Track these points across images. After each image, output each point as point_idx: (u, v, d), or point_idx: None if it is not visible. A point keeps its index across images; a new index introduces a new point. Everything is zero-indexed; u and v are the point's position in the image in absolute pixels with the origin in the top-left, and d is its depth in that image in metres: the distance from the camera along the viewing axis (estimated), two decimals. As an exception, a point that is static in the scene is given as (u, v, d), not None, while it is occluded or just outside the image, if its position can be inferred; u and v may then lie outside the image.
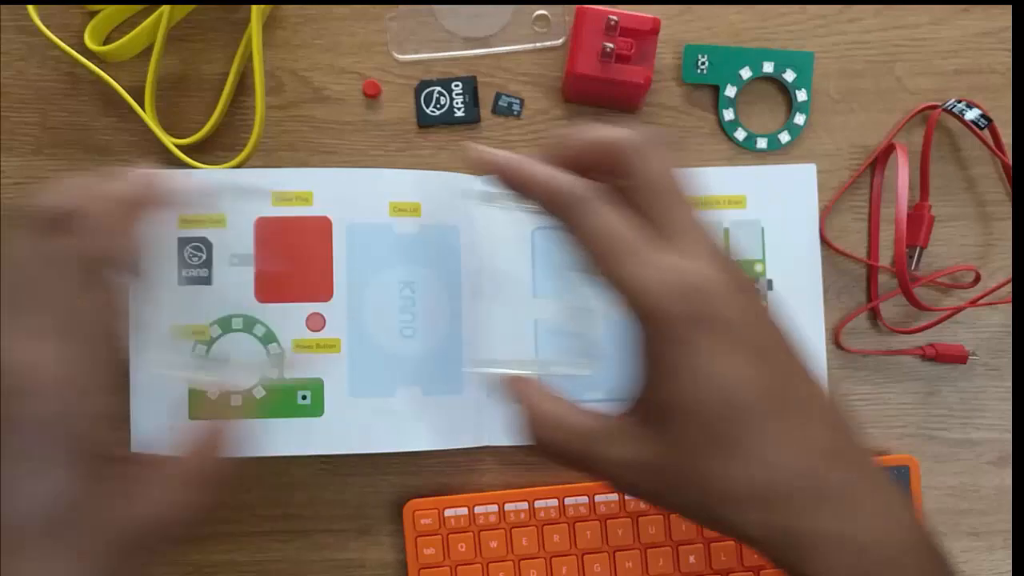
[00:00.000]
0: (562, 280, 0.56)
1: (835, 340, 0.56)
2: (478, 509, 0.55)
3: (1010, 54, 0.57)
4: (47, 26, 0.55)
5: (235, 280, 0.54)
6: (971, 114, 0.55)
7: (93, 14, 0.56)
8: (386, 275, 0.54)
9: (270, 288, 0.54)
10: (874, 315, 0.57)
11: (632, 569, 0.55)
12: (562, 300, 0.56)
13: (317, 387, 0.53)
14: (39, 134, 0.57)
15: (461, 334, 0.55)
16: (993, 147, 0.56)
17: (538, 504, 0.55)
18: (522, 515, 0.55)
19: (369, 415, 0.53)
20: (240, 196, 0.53)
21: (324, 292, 0.54)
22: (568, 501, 0.55)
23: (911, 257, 0.56)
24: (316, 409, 0.53)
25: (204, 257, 0.54)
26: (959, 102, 0.56)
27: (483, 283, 0.56)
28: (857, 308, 0.57)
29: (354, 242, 0.54)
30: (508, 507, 0.55)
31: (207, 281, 0.54)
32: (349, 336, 0.53)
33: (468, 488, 0.56)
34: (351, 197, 0.54)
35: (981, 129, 0.55)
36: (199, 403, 0.53)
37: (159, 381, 0.53)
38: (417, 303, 0.54)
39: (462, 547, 0.54)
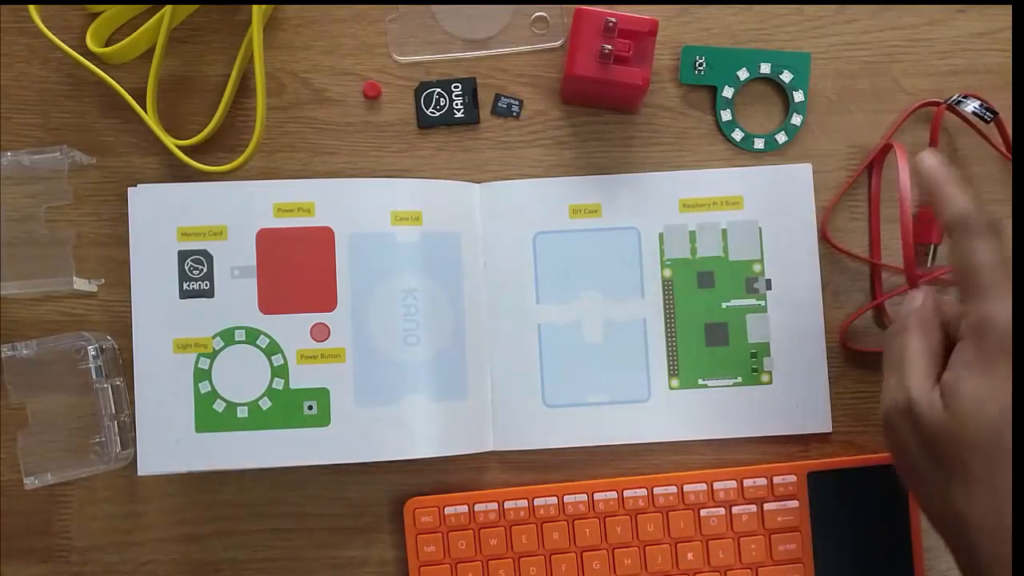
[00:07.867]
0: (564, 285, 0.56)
1: (840, 339, 0.57)
2: (478, 507, 0.55)
3: (1006, 54, 0.57)
4: (49, 28, 0.55)
5: (237, 292, 0.54)
6: (974, 107, 0.55)
7: (94, 16, 0.57)
8: (389, 284, 0.54)
9: (273, 299, 0.54)
10: (879, 313, 0.57)
11: (631, 566, 0.55)
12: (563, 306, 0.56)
13: (323, 397, 0.54)
14: (41, 135, 0.57)
15: (465, 341, 0.55)
16: (995, 142, 0.56)
17: (537, 502, 0.55)
18: (521, 513, 0.55)
19: (375, 424, 0.53)
20: None
21: (328, 302, 0.54)
22: (567, 499, 0.55)
23: (927, 254, 0.57)
24: (323, 419, 0.53)
25: (205, 270, 0.54)
26: (964, 97, 0.56)
27: (485, 289, 0.56)
28: (862, 306, 0.57)
29: (356, 252, 0.54)
30: (508, 505, 0.55)
31: (209, 294, 0.54)
32: (354, 345, 0.54)
33: (468, 486, 0.56)
34: (353, 207, 0.54)
35: (987, 123, 0.55)
36: (206, 417, 0.53)
37: (165, 395, 0.53)
38: (420, 311, 0.54)
39: (462, 545, 0.55)
